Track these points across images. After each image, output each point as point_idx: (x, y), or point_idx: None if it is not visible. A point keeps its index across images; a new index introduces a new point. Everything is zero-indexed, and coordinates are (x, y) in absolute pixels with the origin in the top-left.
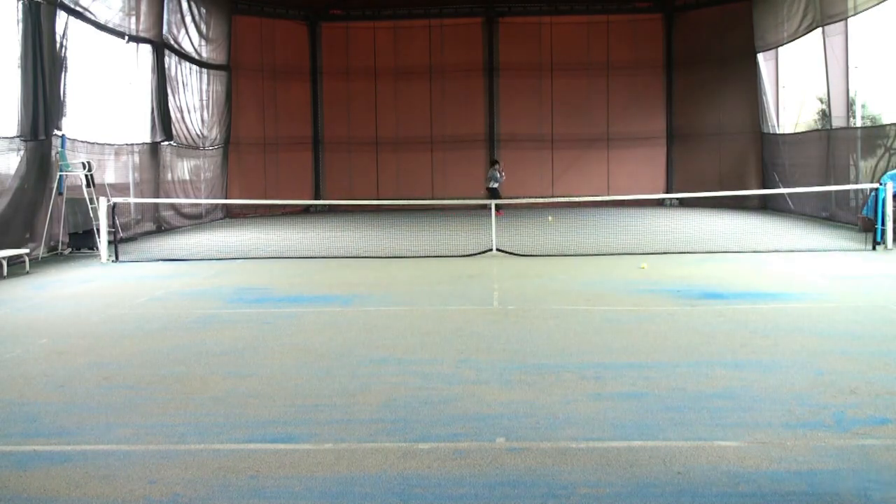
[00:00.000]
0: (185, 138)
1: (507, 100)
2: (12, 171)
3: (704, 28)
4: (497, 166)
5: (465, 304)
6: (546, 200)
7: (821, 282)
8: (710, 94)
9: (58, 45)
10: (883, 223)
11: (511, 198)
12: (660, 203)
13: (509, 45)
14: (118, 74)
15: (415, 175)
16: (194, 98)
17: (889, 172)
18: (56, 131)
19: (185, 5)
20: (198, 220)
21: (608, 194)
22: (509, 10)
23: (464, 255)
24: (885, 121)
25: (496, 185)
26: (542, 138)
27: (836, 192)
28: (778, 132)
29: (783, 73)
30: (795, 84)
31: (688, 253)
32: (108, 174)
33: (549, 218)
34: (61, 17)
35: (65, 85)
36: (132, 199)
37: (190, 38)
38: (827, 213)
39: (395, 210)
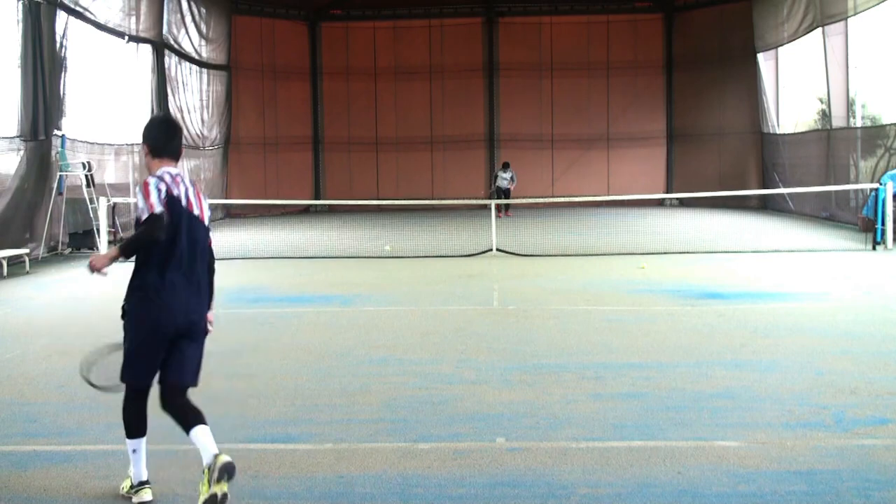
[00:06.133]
0: (185, 138)
1: (507, 100)
2: (12, 171)
3: (704, 28)
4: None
5: (465, 304)
6: (546, 200)
7: (821, 282)
8: (710, 94)
9: (58, 45)
10: (883, 223)
11: (511, 198)
12: (660, 203)
13: (509, 45)
14: (118, 74)
15: (415, 175)
16: (194, 98)
17: (889, 172)
18: (56, 131)
19: (185, 5)
20: None
21: (608, 194)
22: (509, 10)
23: (464, 255)
24: (885, 121)
25: (505, 186)
26: (542, 138)
27: (836, 192)
28: (778, 132)
29: (783, 73)
30: (795, 84)
31: (688, 253)
32: (108, 174)
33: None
34: (61, 17)
35: (65, 85)
36: (132, 199)
37: (190, 38)
38: (827, 213)
39: (396, 210)
